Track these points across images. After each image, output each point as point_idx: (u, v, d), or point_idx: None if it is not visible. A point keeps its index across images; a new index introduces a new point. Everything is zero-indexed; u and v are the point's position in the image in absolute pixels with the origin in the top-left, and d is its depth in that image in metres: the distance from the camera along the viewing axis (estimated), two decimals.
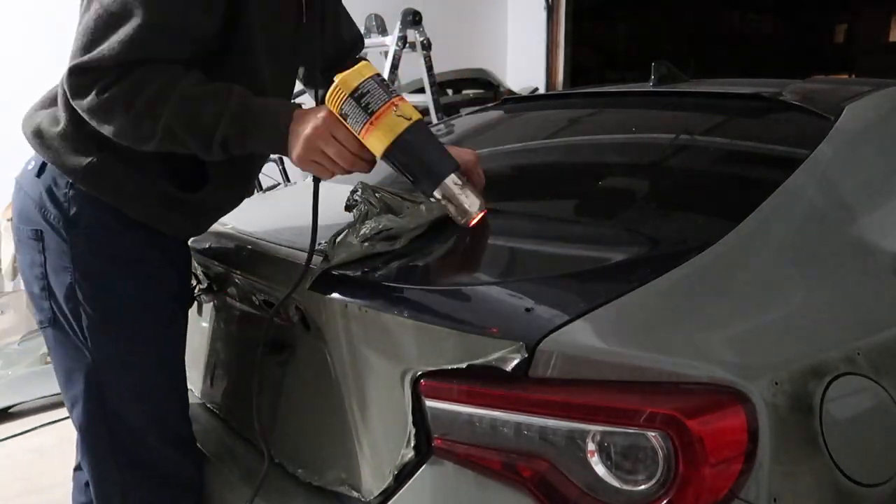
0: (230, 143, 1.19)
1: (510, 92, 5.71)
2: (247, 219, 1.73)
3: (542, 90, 6.17)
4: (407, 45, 4.40)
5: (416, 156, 1.11)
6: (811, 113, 1.52)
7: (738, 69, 9.70)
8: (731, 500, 0.95)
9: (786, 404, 0.99)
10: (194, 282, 1.72)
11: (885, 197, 1.38)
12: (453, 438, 1.05)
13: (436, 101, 4.55)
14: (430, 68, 4.52)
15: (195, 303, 1.73)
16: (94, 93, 1.14)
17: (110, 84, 1.14)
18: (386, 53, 4.44)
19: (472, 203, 1.12)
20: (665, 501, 0.94)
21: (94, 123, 1.18)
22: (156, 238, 1.33)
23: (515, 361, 0.96)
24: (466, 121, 2.39)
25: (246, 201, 1.93)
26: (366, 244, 1.23)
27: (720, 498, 0.95)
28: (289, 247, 1.38)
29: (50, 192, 1.27)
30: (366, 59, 1.11)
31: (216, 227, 1.69)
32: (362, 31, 4.96)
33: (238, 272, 1.46)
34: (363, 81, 1.07)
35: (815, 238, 1.23)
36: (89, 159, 1.24)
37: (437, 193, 1.11)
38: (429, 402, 1.06)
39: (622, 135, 1.91)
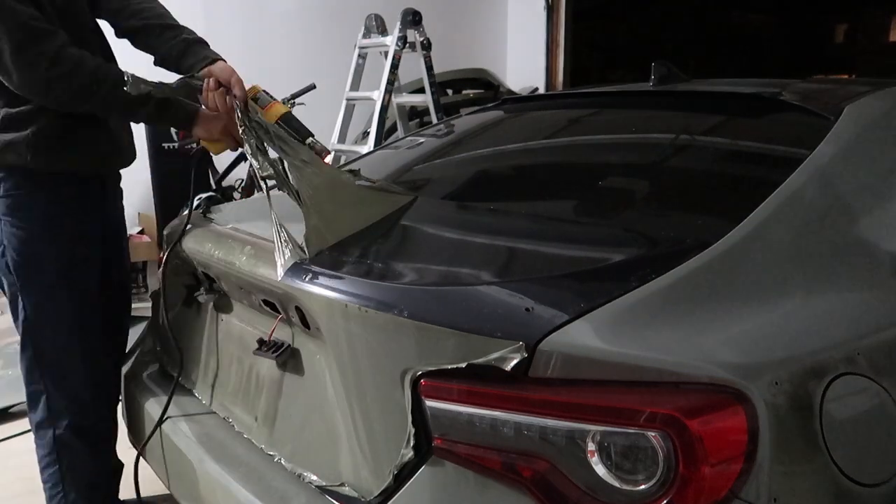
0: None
1: (510, 92, 5.70)
2: (248, 218, 1.73)
3: (542, 90, 6.17)
4: (407, 45, 4.40)
5: (291, 124, 1.76)
6: (811, 113, 1.52)
7: (738, 69, 9.70)
8: (731, 499, 0.95)
9: (786, 404, 0.99)
10: (194, 282, 1.72)
11: (885, 197, 1.38)
12: (453, 438, 1.05)
13: (436, 101, 4.54)
14: (430, 68, 4.52)
15: (195, 303, 1.73)
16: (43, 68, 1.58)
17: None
18: (386, 53, 4.44)
19: (323, 149, 1.77)
20: (665, 501, 0.94)
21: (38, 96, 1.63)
22: (64, 188, 1.75)
23: (515, 361, 0.97)
24: (466, 121, 2.39)
25: (246, 201, 1.94)
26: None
27: (720, 498, 0.95)
28: None
29: None
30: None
31: (217, 226, 1.69)
32: (362, 30, 4.96)
33: (238, 272, 1.46)
34: (263, 89, 1.81)
35: (814, 238, 1.23)
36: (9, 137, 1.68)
37: (306, 141, 1.75)
38: (429, 402, 1.06)
39: (622, 135, 1.91)
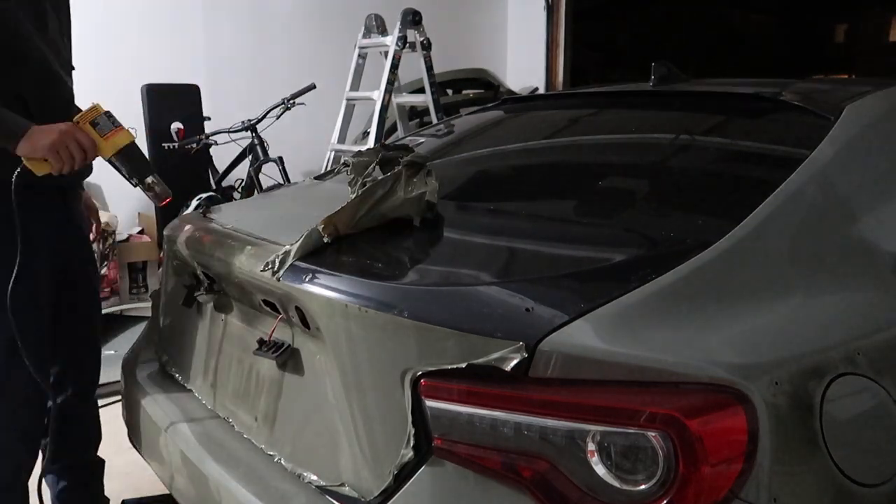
0: None
1: (510, 92, 5.70)
2: (248, 218, 1.73)
3: (542, 90, 6.17)
4: (407, 45, 4.40)
5: (133, 157, 1.69)
6: (811, 113, 1.52)
7: (738, 69, 9.70)
8: (731, 500, 0.95)
9: (786, 404, 0.99)
10: (194, 282, 1.72)
11: (885, 197, 1.38)
12: (453, 438, 1.05)
13: (436, 101, 4.54)
14: (430, 68, 4.52)
15: (195, 303, 1.73)
16: None
17: None
18: (386, 53, 4.44)
19: (164, 192, 1.71)
20: (665, 501, 0.94)
21: None
22: (17, 195, 1.60)
23: (515, 361, 0.97)
24: (466, 121, 2.39)
25: (247, 201, 1.93)
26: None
27: (720, 498, 0.95)
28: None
29: None
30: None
31: (217, 226, 1.69)
32: (362, 30, 4.96)
33: (238, 272, 1.46)
34: (107, 110, 1.68)
35: (815, 238, 1.23)
36: None
37: (144, 181, 1.69)
38: (429, 402, 1.06)
39: (622, 135, 1.91)
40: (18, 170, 1.58)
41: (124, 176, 1.69)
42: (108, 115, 1.66)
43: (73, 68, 1.89)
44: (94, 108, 1.65)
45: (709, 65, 9.46)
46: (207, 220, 1.78)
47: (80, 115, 1.64)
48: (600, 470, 0.97)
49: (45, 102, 1.71)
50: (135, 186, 1.68)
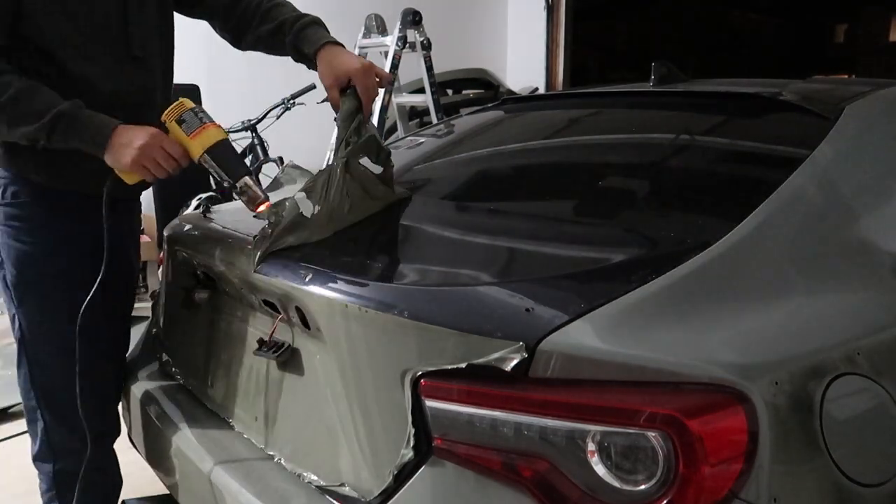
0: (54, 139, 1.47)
1: (510, 92, 5.70)
2: (247, 219, 1.73)
3: (542, 90, 6.17)
4: (407, 45, 4.40)
5: (223, 157, 1.51)
6: (811, 113, 1.52)
7: (738, 69, 9.71)
8: (731, 500, 0.95)
9: (786, 404, 0.99)
10: (195, 282, 1.72)
11: (885, 197, 1.38)
12: (453, 438, 1.05)
13: (436, 101, 4.54)
14: (430, 68, 4.52)
15: (195, 303, 1.73)
16: None
17: None
18: (386, 53, 4.44)
19: (256, 196, 1.50)
20: (665, 501, 0.94)
21: None
22: (67, 204, 1.61)
23: (515, 361, 0.97)
24: (466, 121, 2.39)
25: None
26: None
27: (720, 498, 0.95)
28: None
29: None
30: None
31: (216, 226, 1.69)
32: (362, 31, 4.95)
33: (237, 272, 1.46)
34: (195, 105, 1.51)
35: (815, 238, 1.23)
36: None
37: (237, 184, 1.50)
38: (429, 402, 1.06)
39: (622, 135, 1.91)
40: (108, 181, 1.50)
41: (214, 178, 1.52)
42: (196, 110, 1.49)
43: None
44: (180, 103, 1.49)
45: (708, 65, 9.46)
46: (207, 220, 1.78)
47: (165, 112, 1.49)
48: (600, 470, 0.97)
49: None
50: (226, 190, 1.52)
